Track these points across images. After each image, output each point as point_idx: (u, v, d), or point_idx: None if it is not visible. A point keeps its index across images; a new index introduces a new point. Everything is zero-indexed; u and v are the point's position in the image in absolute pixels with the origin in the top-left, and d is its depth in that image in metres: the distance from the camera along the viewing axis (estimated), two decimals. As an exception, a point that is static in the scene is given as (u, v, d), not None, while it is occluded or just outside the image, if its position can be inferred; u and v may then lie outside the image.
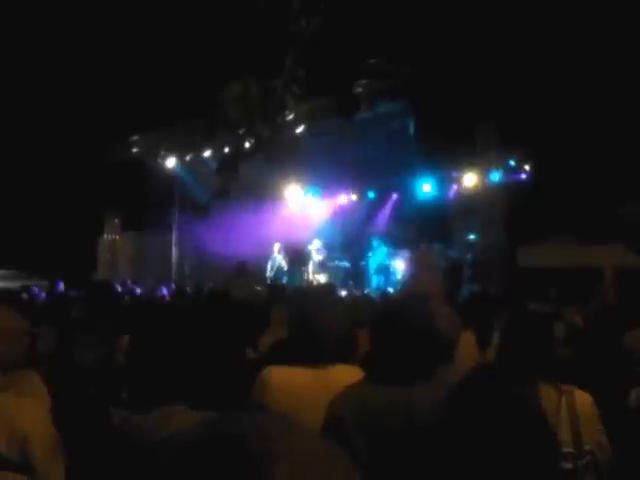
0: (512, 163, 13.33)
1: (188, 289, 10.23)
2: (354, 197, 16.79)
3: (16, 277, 12.54)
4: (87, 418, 2.19)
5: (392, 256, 14.79)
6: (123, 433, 1.91)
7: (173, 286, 11.29)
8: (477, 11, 10.98)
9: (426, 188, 14.71)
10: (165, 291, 10.06)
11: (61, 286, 9.41)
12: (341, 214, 16.96)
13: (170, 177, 15.70)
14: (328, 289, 7.22)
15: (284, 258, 15.42)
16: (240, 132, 13.65)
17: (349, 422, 2.08)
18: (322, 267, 15.16)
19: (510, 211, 12.82)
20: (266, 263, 15.46)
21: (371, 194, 16.43)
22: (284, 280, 14.74)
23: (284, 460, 0.75)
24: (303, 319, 2.66)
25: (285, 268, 15.38)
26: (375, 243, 14.96)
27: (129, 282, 11.84)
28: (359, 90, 12.66)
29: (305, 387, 2.45)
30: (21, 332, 2.47)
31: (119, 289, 9.18)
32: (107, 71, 12.97)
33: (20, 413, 2.16)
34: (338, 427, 2.08)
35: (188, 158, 15.67)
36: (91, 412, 2.22)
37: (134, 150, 15.39)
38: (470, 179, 13.83)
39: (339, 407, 2.17)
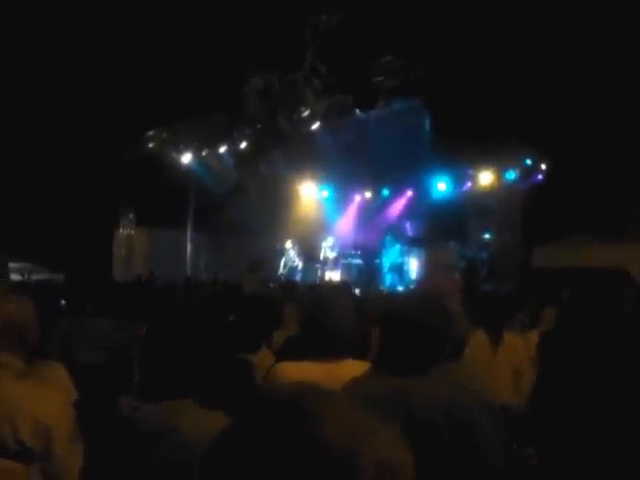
0: (528, 162, 13.24)
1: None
2: (369, 194, 16.77)
3: (31, 270, 12.64)
4: (98, 408, 2.21)
5: (406, 254, 14.75)
6: (130, 421, 1.94)
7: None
8: (493, 10, 10.92)
9: (441, 186, 14.65)
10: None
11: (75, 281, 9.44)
12: (355, 211, 16.95)
13: (186, 172, 15.74)
14: (341, 286, 7.22)
15: (298, 255, 15.43)
16: (259, 127, 13.65)
17: None
18: (336, 264, 15.15)
19: (526, 210, 12.75)
20: (280, 260, 15.48)
21: (386, 192, 16.40)
22: (297, 277, 14.74)
23: (332, 417, 0.85)
24: (314, 314, 2.67)
25: (299, 265, 15.39)
26: (389, 241, 14.92)
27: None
28: (375, 87, 12.63)
29: (315, 381, 2.44)
30: (33, 320, 2.47)
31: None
32: (124, 66, 13.01)
33: (43, 404, 2.18)
34: None
35: (204, 153, 15.71)
36: (101, 402, 2.24)
37: (150, 145, 15.45)
38: (486, 177, 13.76)
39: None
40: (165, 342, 2.04)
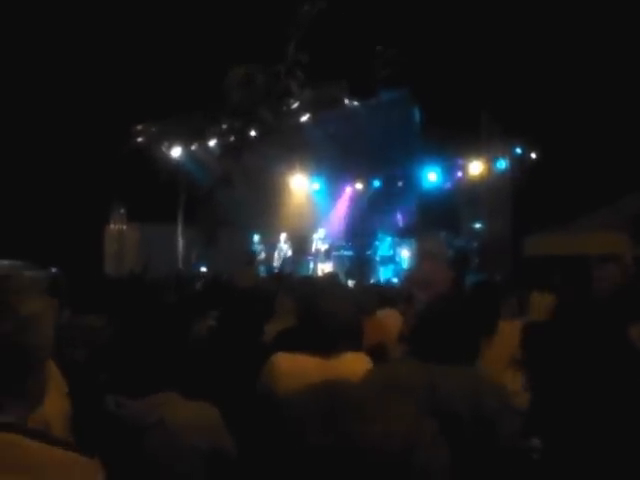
0: (518, 151, 13.28)
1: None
2: (359, 186, 16.77)
3: (22, 268, 12.53)
4: (87, 406, 2.21)
5: (398, 245, 14.76)
6: (115, 416, 1.95)
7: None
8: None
9: (432, 177, 14.67)
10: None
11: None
12: (346, 203, 16.95)
13: (175, 166, 15.68)
14: (334, 278, 7.23)
15: (290, 247, 15.44)
16: (244, 119, 13.60)
17: None
18: (327, 256, 15.16)
19: (516, 199, 12.78)
20: (273, 253, 15.49)
21: (376, 183, 16.40)
22: (290, 269, 14.74)
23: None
24: (310, 308, 2.67)
25: (291, 257, 15.40)
26: (380, 233, 14.93)
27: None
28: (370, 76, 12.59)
29: (314, 376, 2.45)
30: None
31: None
32: (112, 61, 12.94)
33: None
34: None
35: (193, 147, 15.65)
36: (91, 399, 2.25)
37: (139, 140, 15.35)
38: (476, 167, 13.78)
39: (365, 380, 2.22)
40: (148, 337, 2.06)
